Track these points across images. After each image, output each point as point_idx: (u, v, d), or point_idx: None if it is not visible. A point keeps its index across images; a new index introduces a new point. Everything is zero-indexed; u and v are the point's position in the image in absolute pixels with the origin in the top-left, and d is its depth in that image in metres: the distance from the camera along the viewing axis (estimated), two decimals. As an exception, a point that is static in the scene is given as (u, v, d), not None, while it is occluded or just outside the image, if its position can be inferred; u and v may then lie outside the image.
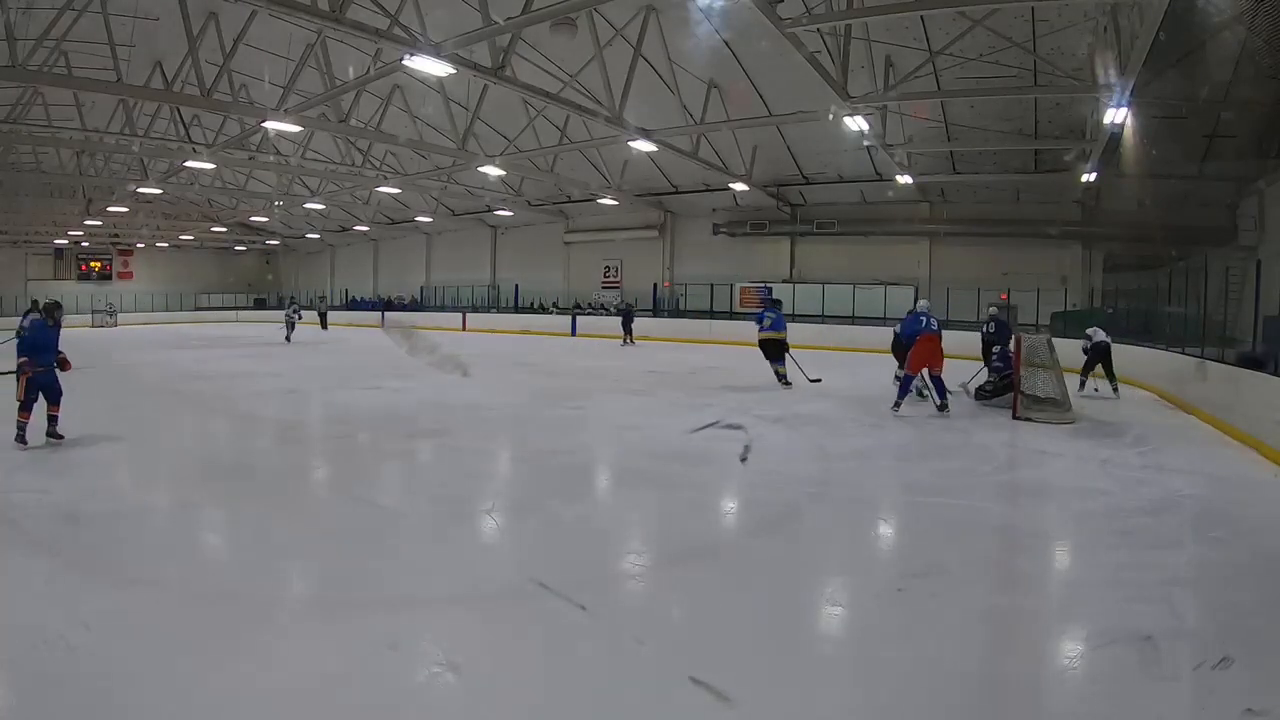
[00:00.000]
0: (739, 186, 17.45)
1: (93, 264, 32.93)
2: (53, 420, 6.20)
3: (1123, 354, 11.58)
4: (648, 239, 22.88)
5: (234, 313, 34.63)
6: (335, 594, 3.28)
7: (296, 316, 20.42)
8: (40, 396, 6.09)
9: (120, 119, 14.51)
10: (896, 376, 9.14)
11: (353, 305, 31.83)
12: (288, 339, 19.42)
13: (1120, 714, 2.36)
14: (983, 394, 8.78)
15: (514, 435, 7.21)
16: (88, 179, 19.46)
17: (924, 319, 8.30)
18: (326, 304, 27.37)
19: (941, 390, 8.11)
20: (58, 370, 6.25)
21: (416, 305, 29.19)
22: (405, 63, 8.95)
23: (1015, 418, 7.72)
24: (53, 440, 6.12)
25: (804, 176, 18.26)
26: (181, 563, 3.61)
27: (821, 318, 18.66)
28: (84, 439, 6.74)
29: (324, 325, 24.72)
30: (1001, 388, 8.53)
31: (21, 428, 5.98)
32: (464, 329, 24.88)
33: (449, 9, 10.39)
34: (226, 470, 5.65)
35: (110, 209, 23.58)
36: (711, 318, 20.62)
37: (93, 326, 27.74)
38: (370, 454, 6.52)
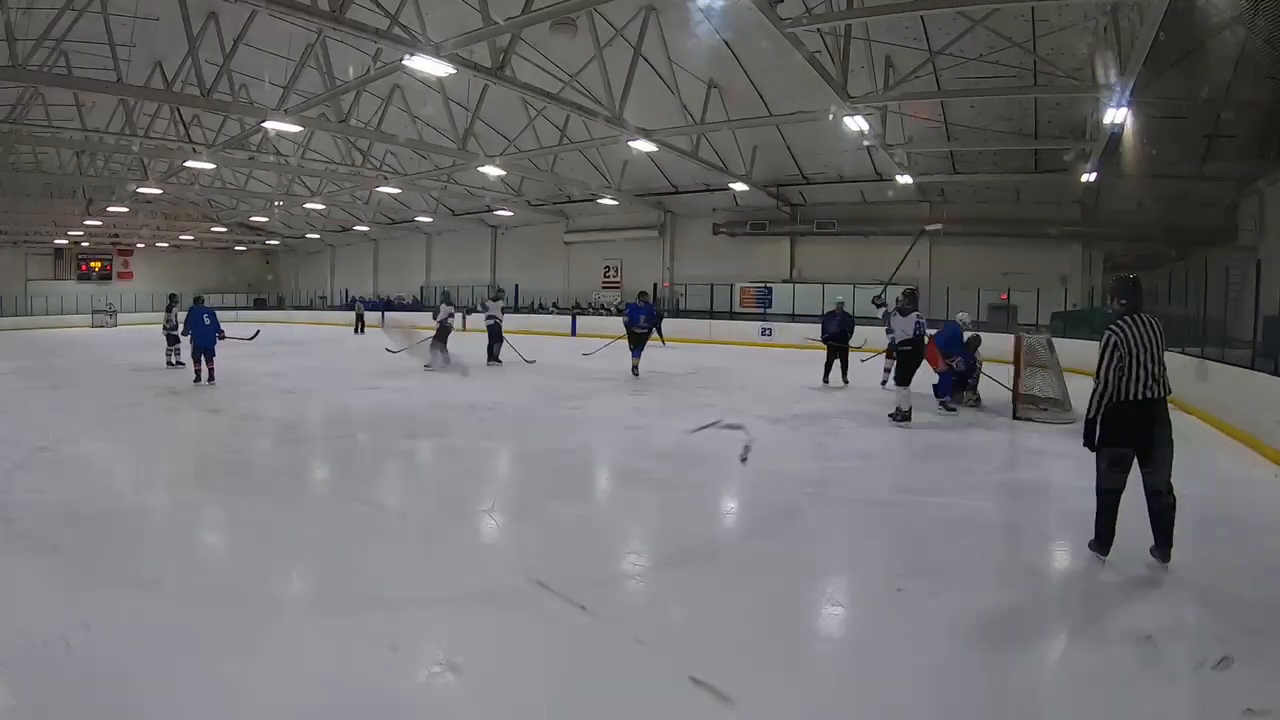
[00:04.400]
0: (739, 186, 17.45)
1: (93, 264, 32.92)
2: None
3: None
4: (648, 239, 22.88)
5: (234, 313, 34.61)
6: (335, 594, 3.28)
7: (455, 319, 12.87)
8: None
9: (120, 119, 14.50)
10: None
11: (353, 305, 31.74)
12: (441, 357, 12.00)
13: (1120, 714, 2.36)
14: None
15: (514, 435, 7.21)
16: (88, 179, 19.44)
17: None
18: (363, 306, 25.13)
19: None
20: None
21: (417, 305, 29.14)
22: (405, 63, 8.95)
23: (1015, 418, 7.72)
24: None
25: (804, 176, 18.25)
26: (181, 563, 3.61)
27: (822, 317, 18.66)
28: (84, 439, 6.76)
29: (360, 329, 23.21)
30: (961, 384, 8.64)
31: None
32: (464, 329, 24.85)
33: (449, 9, 10.39)
34: (226, 470, 5.65)
35: (110, 209, 23.57)
36: (711, 318, 20.62)
37: (93, 326, 27.74)
38: (370, 454, 6.52)
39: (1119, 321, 3.46)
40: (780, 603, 3.19)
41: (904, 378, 7.47)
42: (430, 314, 12.84)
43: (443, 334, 12.15)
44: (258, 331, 12.22)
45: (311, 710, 2.31)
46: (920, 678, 2.53)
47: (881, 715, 2.36)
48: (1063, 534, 4.26)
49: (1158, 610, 3.05)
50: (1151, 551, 3.51)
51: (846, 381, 10.27)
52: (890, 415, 7.57)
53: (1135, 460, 3.46)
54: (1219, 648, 2.66)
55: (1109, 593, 3.28)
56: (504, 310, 12.98)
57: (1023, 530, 4.30)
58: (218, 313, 10.71)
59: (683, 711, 2.32)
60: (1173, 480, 3.48)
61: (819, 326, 11.08)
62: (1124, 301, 3.54)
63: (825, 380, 10.36)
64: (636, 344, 11.31)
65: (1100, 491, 3.55)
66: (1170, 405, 3.54)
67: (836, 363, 10.42)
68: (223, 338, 10.48)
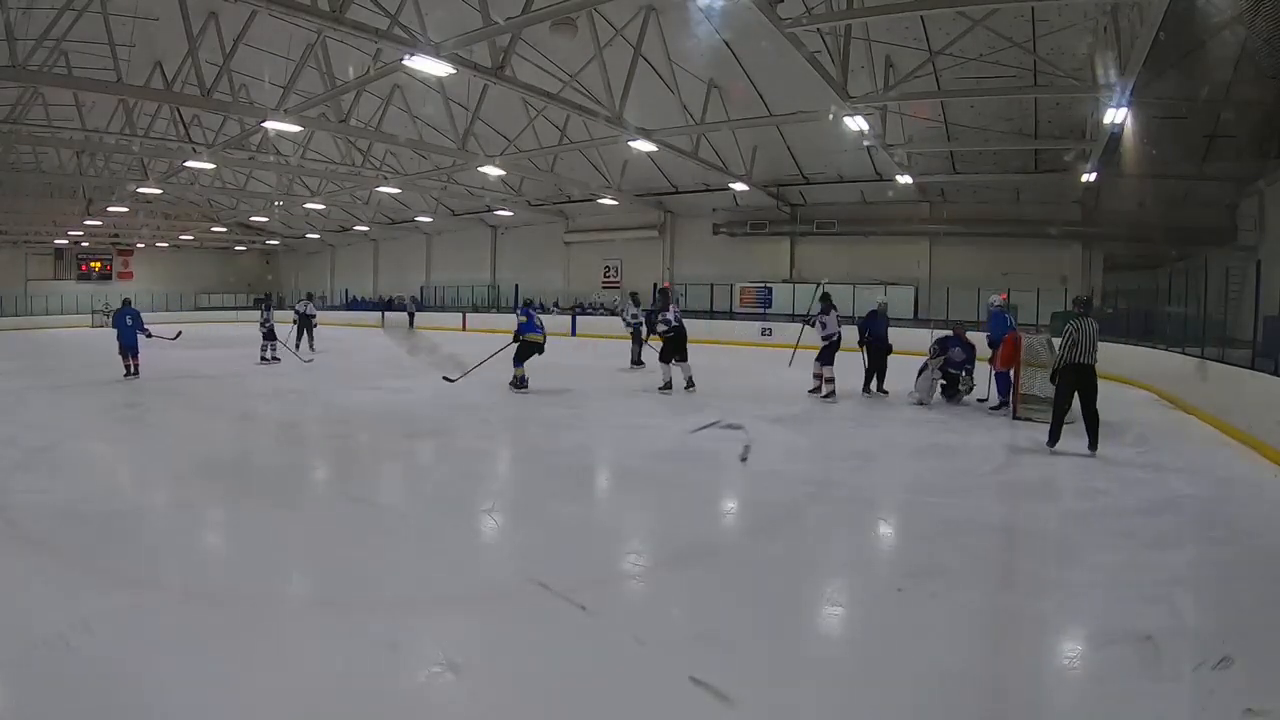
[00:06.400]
0: (739, 186, 17.44)
1: (93, 264, 32.90)
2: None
3: (1123, 353, 11.59)
4: (648, 239, 22.87)
5: (234, 313, 34.62)
6: (335, 594, 3.28)
7: (316, 316, 15.88)
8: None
9: (120, 119, 14.50)
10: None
11: (353, 305, 31.76)
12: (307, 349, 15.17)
13: (1120, 714, 2.36)
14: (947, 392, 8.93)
15: (514, 435, 7.21)
16: (88, 179, 19.44)
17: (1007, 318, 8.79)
18: (414, 305, 25.10)
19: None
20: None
21: (417, 305, 29.13)
22: (405, 63, 8.94)
23: (1015, 418, 7.71)
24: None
25: (804, 176, 18.24)
26: (181, 563, 3.61)
27: (864, 320, 18.51)
28: (84, 439, 6.76)
29: (411, 326, 23.80)
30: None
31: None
32: (464, 329, 24.86)
33: (449, 9, 10.38)
34: (226, 470, 5.65)
35: (110, 209, 23.55)
36: (711, 318, 20.62)
37: (93, 326, 27.74)
38: (370, 454, 6.52)
39: (1074, 320, 6.07)
40: (780, 603, 3.19)
41: (666, 357, 9.44)
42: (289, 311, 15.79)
43: (302, 327, 15.12)
44: (179, 332, 13.26)
45: (311, 710, 2.31)
46: (920, 678, 2.53)
47: (881, 715, 2.36)
48: (1062, 534, 4.26)
49: (1158, 610, 3.05)
50: (1088, 448, 5.95)
51: (885, 391, 9.27)
52: (660, 388, 9.35)
53: (1078, 397, 6.04)
54: (1219, 648, 2.66)
55: (1109, 593, 3.27)
56: (645, 310, 13.17)
57: (1022, 530, 4.30)
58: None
59: (683, 711, 2.32)
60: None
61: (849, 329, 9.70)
62: (1081, 310, 6.21)
63: (866, 390, 9.32)
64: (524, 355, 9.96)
65: (1055, 409, 6.18)
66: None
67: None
68: (148, 337, 11.25)
